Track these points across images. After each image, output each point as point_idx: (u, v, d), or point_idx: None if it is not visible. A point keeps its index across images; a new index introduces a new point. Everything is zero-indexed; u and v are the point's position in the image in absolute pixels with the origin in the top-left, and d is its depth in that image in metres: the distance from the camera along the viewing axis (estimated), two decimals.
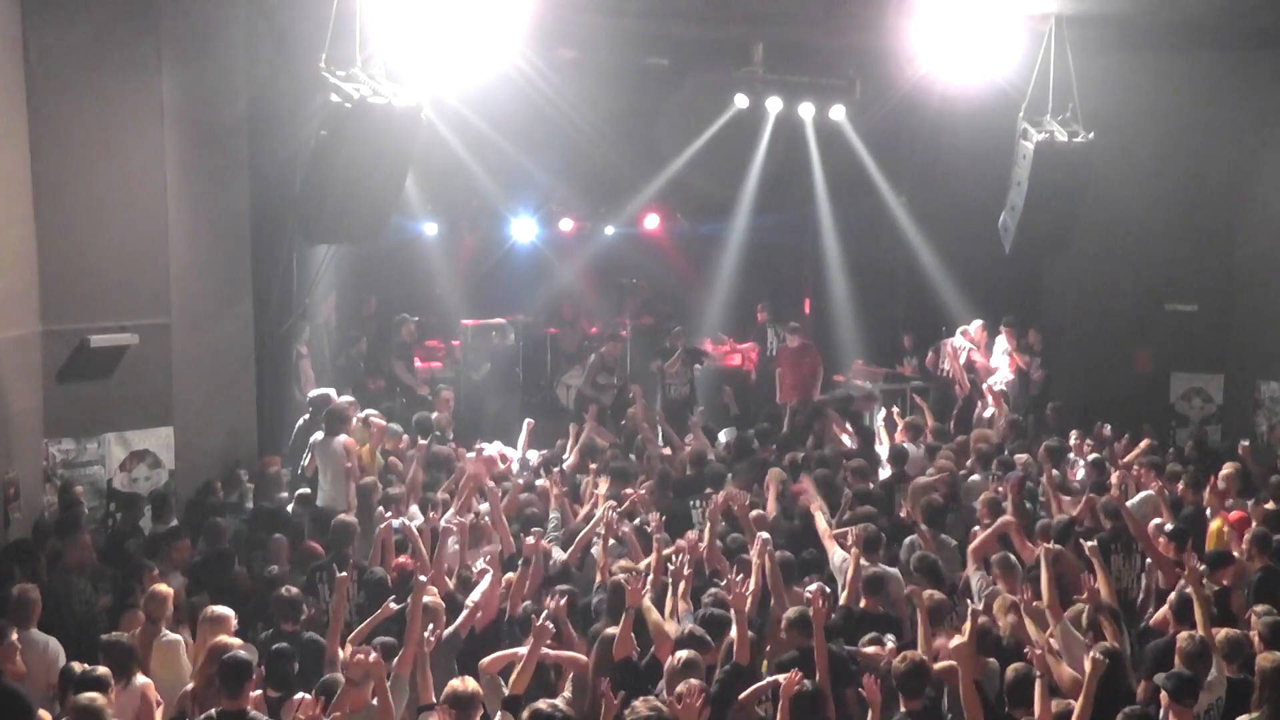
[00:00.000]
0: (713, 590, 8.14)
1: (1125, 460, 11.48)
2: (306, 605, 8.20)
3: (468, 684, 6.47)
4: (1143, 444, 11.77)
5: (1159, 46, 14.40)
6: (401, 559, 9.00)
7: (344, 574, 7.68)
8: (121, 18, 11.05)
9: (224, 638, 7.31)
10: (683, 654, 7.03)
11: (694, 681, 6.49)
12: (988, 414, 14.55)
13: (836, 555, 9.22)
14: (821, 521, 9.68)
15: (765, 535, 8.60)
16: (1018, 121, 12.83)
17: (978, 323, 15.87)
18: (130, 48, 11.11)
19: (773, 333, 17.77)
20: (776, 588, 8.23)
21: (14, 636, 7.31)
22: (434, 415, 12.98)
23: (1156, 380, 15.43)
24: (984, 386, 14.99)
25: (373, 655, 6.44)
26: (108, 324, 11.07)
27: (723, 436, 13.50)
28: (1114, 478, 10.96)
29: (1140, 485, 10.79)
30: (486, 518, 9.50)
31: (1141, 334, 15.46)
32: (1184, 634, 7.36)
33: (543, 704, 6.20)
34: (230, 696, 6.55)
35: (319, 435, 11.31)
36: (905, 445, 12.44)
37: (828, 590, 8.26)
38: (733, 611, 7.30)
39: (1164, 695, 6.66)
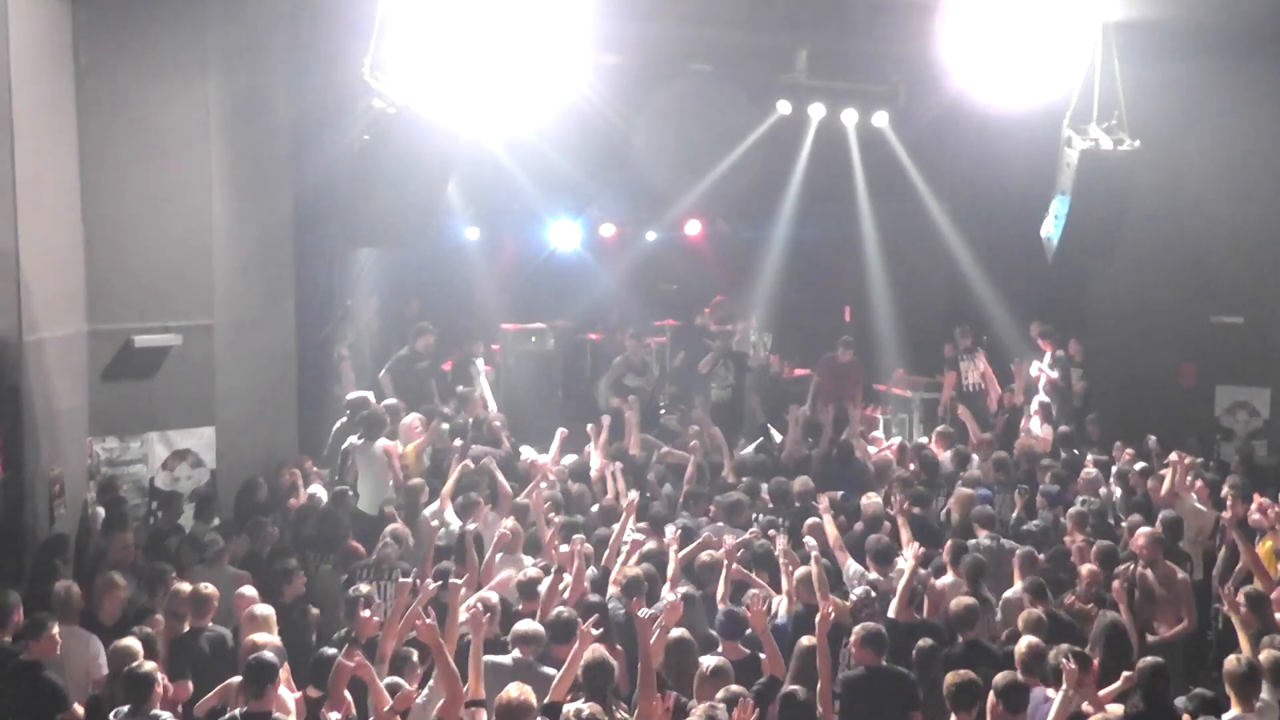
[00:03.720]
0: (751, 591, 8.30)
1: (1178, 476, 11.21)
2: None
3: (525, 691, 6.43)
4: (1187, 459, 11.57)
5: (1206, 53, 14.20)
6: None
7: (407, 579, 7.66)
8: (169, 25, 11.23)
9: (258, 636, 7.39)
10: (711, 662, 7.05)
11: (735, 687, 6.57)
12: (1033, 426, 14.40)
13: (851, 567, 9.22)
14: (832, 529, 9.64)
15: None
16: (1062, 129, 12.71)
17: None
18: (177, 54, 11.29)
19: (757, 340, 17.71)
20: (824, 596, 8.28)
21: (54, 630, 7.43)
22: (469, 419, 13.01)
23: (1201, 393, 15.21)
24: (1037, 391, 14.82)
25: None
26: (152, 325, 11.24)
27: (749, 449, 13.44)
28: (1164, 490, 10.81)
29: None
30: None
31: (1186, 346, 15.26)
32: (1231, 657, 7.24)
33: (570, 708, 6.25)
34: (254, 697, 6.62)
35: (357, 439, 11.38)
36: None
37: (873, 594, 8.31)
38: (758, 630, 7.45)
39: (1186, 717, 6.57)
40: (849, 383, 15.64)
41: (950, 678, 6.95)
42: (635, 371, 15.60)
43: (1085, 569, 9.16)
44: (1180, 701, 6.71)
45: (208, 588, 8.26)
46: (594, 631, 6.90)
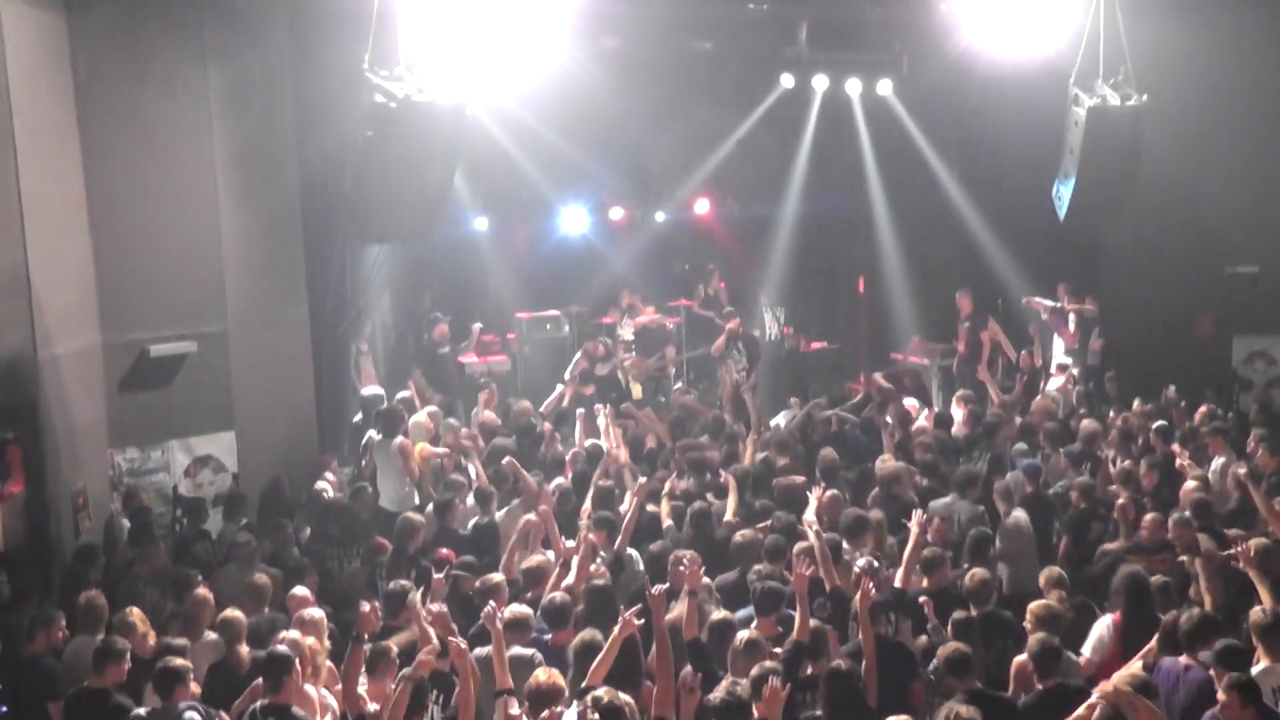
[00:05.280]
0: (757, 566, 8.28)
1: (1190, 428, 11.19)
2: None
3: (553, 676, 6.49)
4: (1201, 410, 11.47)
5: (1212, 3, 14.08)
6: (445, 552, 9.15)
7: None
8: (166, 29, 11.22)
9: (289, 633, 7.47)
10: (744, 635, 7.06)
11: (768, 663, 6.60)
12: (1052, 387, 14.36)
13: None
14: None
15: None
16: (1068, 87, 12.59)
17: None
18: (176, 60, 11.29)
19: (770, 316, 17.69)
20: (828, 570, 8.27)
21: (127, 657, 7.40)
22: (484, 413, 13.00)
23: (1218, 345, 15.14)
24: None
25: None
26: (166, 333, 11.27)
27: (782, 418, 13.43)
28: (1179, 451, 10.72)
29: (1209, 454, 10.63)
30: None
31: (1202, 298, 15.18)
32: (1256, 609, 7.18)
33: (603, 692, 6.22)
34: (273, 691, 6.71)
35: (376, 435, 11.40)
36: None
37: (876, 564, 8.27)
38: (795, 594, 7.43)
39: (1214, 671, 6.51)
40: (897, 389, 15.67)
41: (941, 652, 6.98)
42: (601, 360, 15.53)
43: (1148, 518, 9.09)
44: (1205, 656, 6.67)
45: (262, 578, 8.45)
46: (637, 621, 6.88)
